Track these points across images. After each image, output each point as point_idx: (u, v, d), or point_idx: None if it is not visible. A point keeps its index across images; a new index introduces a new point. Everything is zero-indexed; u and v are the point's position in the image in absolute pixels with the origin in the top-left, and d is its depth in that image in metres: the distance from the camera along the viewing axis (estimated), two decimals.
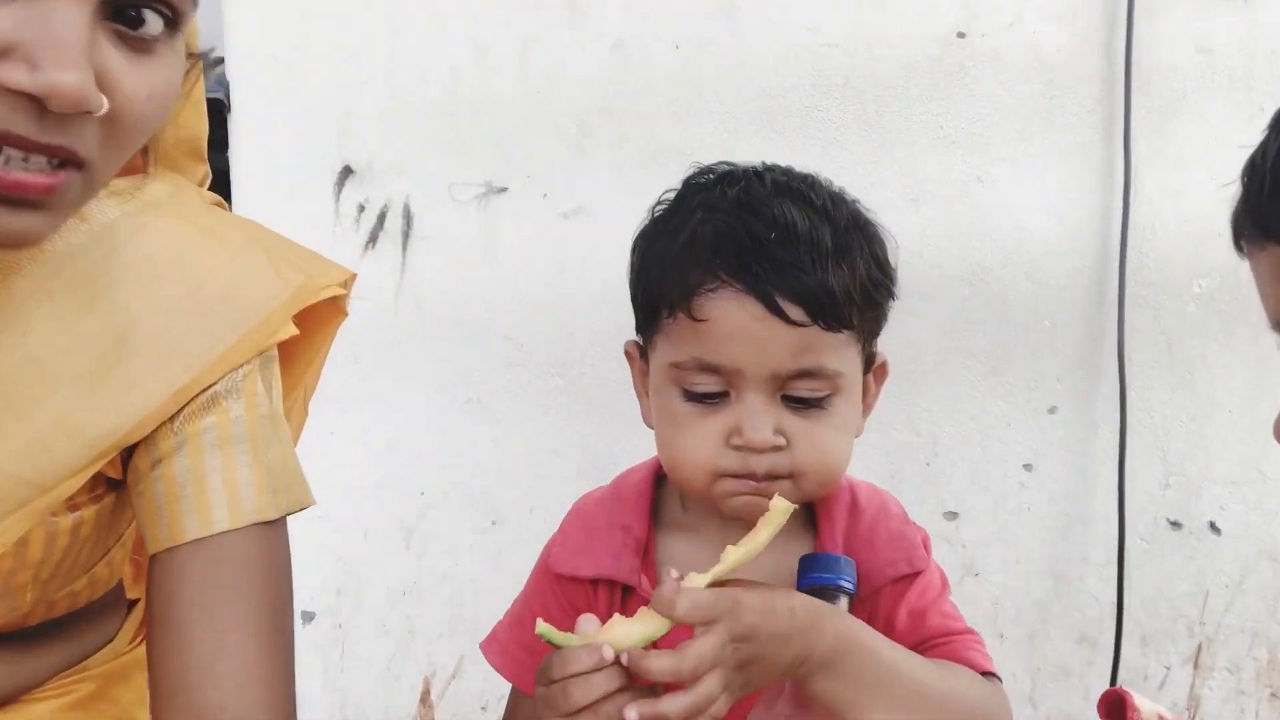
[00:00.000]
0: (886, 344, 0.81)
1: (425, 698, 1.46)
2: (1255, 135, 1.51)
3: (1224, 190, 1.51)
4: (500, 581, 1.44)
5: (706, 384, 0.70)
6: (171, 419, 0.62)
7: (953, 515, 1.50)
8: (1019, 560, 1.51)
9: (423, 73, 1.36)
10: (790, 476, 0.71)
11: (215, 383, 0.63)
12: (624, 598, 0.77)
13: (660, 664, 0.61)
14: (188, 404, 0.62)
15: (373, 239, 1.38)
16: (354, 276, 0.71)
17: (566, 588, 0.79)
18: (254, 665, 0.62)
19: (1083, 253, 1.48)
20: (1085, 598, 1.49)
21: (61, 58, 0.45)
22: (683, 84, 1.42)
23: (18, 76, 0.45)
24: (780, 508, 0.65)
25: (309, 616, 1.43)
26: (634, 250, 0.78)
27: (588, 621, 0.64)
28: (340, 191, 1.36)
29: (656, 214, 0.78)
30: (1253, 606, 1.53)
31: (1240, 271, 1.53)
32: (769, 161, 0.77)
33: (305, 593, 1.42)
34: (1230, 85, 1.48)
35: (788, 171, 0.75)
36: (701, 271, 0.69)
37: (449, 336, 1.40)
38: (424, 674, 1.46)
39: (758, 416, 0.69)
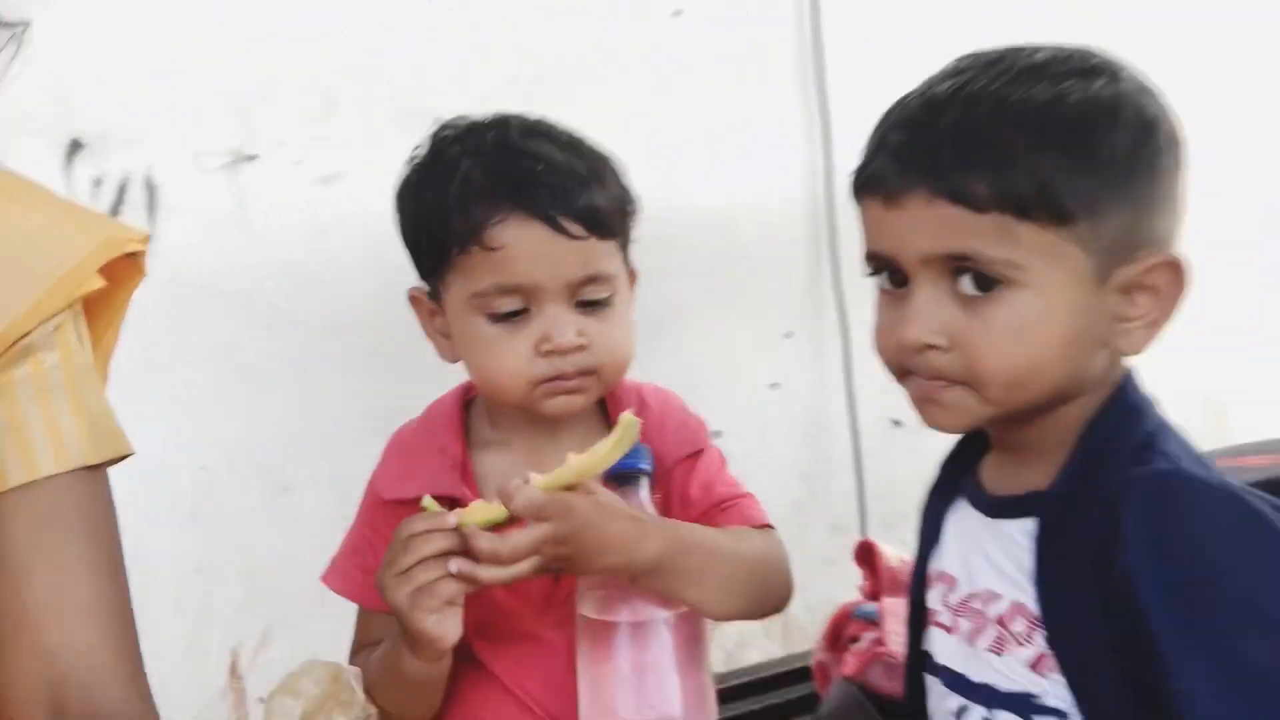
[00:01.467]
0: (648, 290, 0.90)
1: (234, 669, 1.41)
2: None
3: None
4: (297, 549, 1.35)
5: (509, 304, 0.78)
6: None
7: (717, 434, 1.60)
8: (776, 467, 1.64)
9: (154, 43, 1.29)
10: (595, 371, 0.80)
11: (28, 334, 0.62)
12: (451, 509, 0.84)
13: (483, 543, 0.68)
14: (1, 355, 0.61)
15: (114, 213, 1.28)
16: (149, 236, 0.71)
17: (396, 510, 0.83)
18: (98, 600, 0.63)
19: (792, 197, 1.61)
20: (833, 493, 1.64)
21: None
22: (432, 53, 1.42)
23: None
24: (627, 421, 0.73)
25: None
26: (402, 202, 0.84)
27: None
28: (70, 166, 1.27)
29: (415, 167, 0.84)
30: None
31: None
32: (501, 112, 0.85)
33: None
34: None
35: (524, 118, 0.84)
36: (486, 206, 0.77)
37: (212, 307, 1.34)
38: (229, 648, 1.41)
39: (561, 323, 0.78)
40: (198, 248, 1.33)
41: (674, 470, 0.86)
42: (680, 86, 1.55)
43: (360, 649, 0.88)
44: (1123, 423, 0.65)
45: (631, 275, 0.87)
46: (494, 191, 0.77)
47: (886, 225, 0.64)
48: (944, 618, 0.73)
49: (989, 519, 0.71)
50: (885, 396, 1.69)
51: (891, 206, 0.63)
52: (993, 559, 0.69)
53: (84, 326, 0.68)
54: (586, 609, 0.77)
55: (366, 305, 1.42)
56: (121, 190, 1.30)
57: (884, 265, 0.67)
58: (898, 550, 1.23)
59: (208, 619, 1.39)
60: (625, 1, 1.54)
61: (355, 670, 0.75)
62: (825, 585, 1.65)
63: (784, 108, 1.60)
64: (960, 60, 0.67)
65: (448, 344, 0.85)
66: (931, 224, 0.62)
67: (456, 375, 1.41)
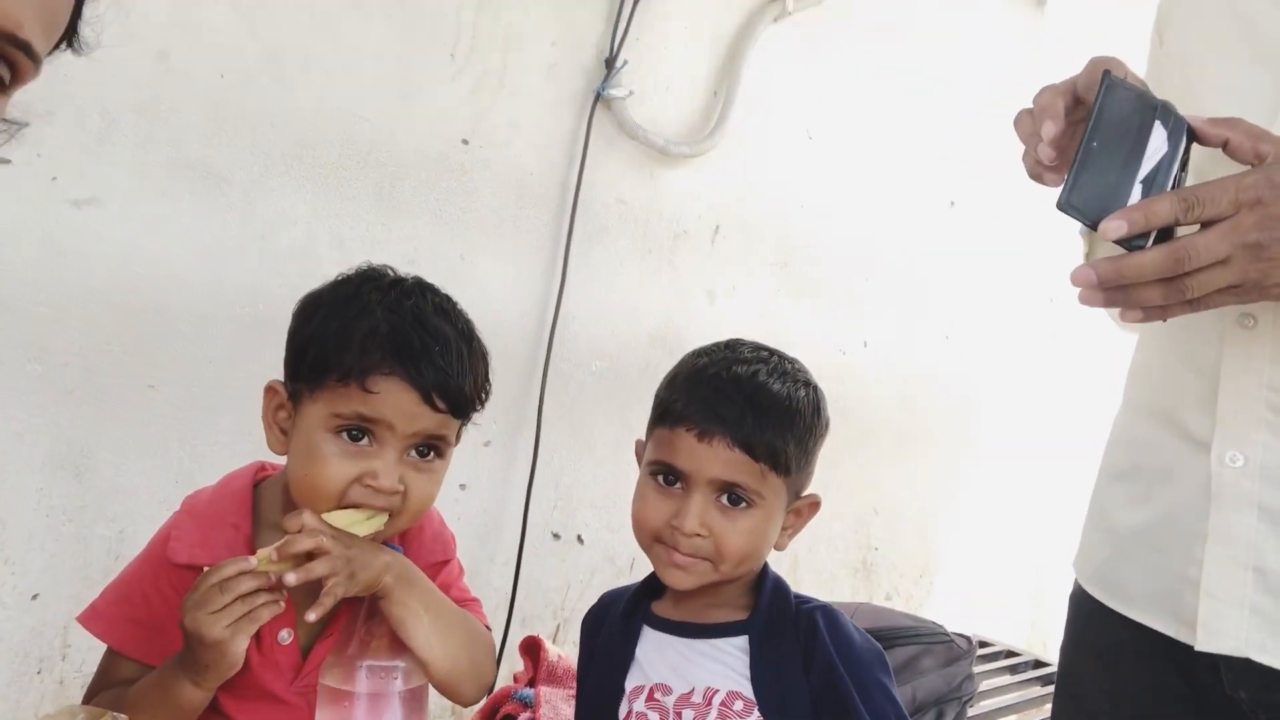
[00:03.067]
0: None
1: None
2: (646, 264, 2.02)
3: (624, 299, 1.98)
4: None
5: (359, 432, 0.86)
6: None
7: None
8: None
9: None
10: (399, 514, 0.89)
11: None
12: None
13: (290, 578, 0.81)
14: None
15: None
16: None
17: (181, 574, 0.90)
18: None
19: (526, 328, 1.79)
20: (489, 589, 1.80)
21: None
22: (222, 110, 1.41)
23: None
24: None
25: None
26: (307, 313, 0.90)
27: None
28: None
29: (333, 294, 0.90)
30: (596, 596, 2.00)
31: (622, 358, 2.01)
32: (420, 278, 0.94)
33: None
34: (636, 228, 1.96)
35: (438, 292, 0.94)
36: (379, 359, 0.86)
37: None
38: None
39: (390, 468, 0.87)
40: None
41: (424, 571, 0.95)
42: (449, 208, 1.68)
43: (102, 688, 0.92)
44: (772, 582, 0.99)
45: (458, 436, 0.97)
46: (393, 352, 0.85)
47: (693, 451, 0.91)
48: (654, 717, 0.95)
49: (698, 640, 0.97)
50: (554, 511, 1.93)
51: (702, 440, 0.91)
52: (709, 665, 0.95)
53: None
54: (328, 679, 0.86)
55: (86, 335, 1.32)
56: None
57: (669, 471, 0.93)
58: (556, 648, 1.43)
59: None
60: None
61: (122, 717, 0.78)
62: None
63: (534, 245, 1.80)
64: (741, 348, 0.98)
65: (282, 439, 0.91)
66: (726, 460, 0.90)
67: (160, 428, 1.38)
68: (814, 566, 2.35)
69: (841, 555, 2.43)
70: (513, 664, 1.54)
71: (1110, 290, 0.68)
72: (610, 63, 1.82)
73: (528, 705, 1.33)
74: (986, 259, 2.64)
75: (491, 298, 1.73)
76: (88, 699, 0.90)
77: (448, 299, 0.95)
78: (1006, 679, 2.13)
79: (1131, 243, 0.67)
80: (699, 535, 0.91)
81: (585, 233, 1.84)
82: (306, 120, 1.50)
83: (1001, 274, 2.69)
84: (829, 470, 2.34)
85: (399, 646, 0.88)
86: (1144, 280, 0.67)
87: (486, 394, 0.95)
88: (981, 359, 2.69)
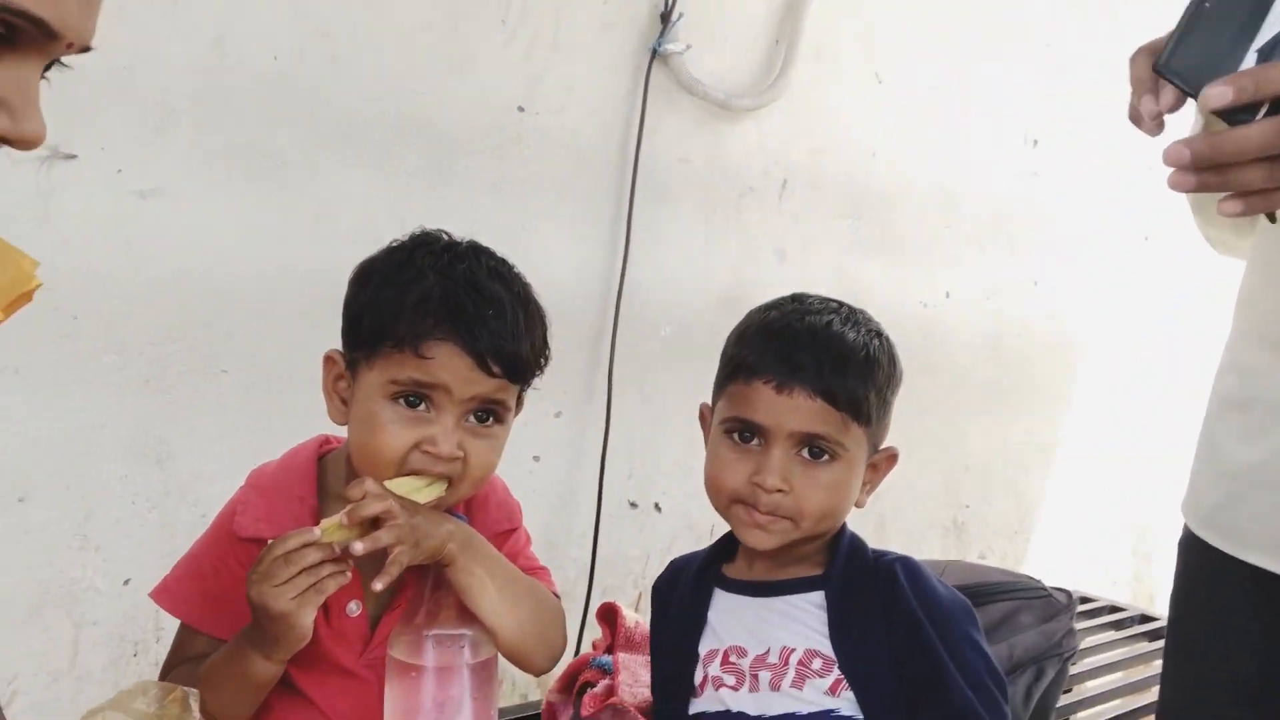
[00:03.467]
0: None
1: None
2: (712, 224, 1.96)
3: (690, 263, 1.93)
4: (24, 559, 1.27)
5: (417, 397, 0.84)
6: None
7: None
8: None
9: None
10: (459, 480, 0.86)
11: None
12: None
13: (358, 547, 0.78)
14: None
15: None
16: (38, 263, 0.68)
17: (248, 548, 0.89)
18: None
19: (591, 295, 1.75)
20: (568, 560, 1.80)
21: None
22: (276, 92, 1.39)
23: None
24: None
25: None
26: (361, 281, 0.89)
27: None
28: None
29: (386, 259, 0.89)
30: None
31: (690, 323, 1.96)
32: (475, 241, 0.92)
33: None
34: (700, 188, 1.90)
35: (494, 256, 0.91)
36: (432, 324, 0.83)
37: None
38: None
39: (449, 434, 0.84)
40: None
41: (489, 540, 0.93)
42: (508, 178, 1.64)
43: (178, 663, 0.92)
44: (849, 537, 0.95)
45: (520, 403, 0.94)
46: (446, 317, 0.83)
47: (772, 404, 0.88)
48: (730, 680, 0.92)
49: (773, 598, 0.94)
50: (629, 480, 1.90)
51: (781, 392, 0.88)
52: (785, 624, 0.92)
53: None
54: (397, 653, 0.85)
55: (157, 325, 1.34)
56: None
57: (746, 427, 0.90)
58: (634, 614, 1.40)
59: None
60: None
61: (193, 691, 0.77)
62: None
63: (595, 212, 1.76)
64: (808, 300, 0.95)
65: (342, 409, 0.90)
66: (807, 411, 0.87)
67: (235, 413, 1.40)
68: (902, 526, 2.27)
69: (931, 514, 2.35)
70: (594, 633, 1.52)
71: (1206, 172, 0.59)
72: (665, 17, 1.74)
73: (606, 672, 1.31)
74: (1074, 199, 2.48)
75: (554, 268, 1.69)
76: (164, 674, 0.91)
77: (503, 262, 0.91)
78: (1111, 635, 2.02)
79: (1237, 116, 0.57)
80: (780, 491, 0.88)
81: (647, 195, 1.78)
82: (360, 97, 1.48)
83: (1091, 213, 2.53)
84: (914, 427, 2.25)
85: (467, 616, 0.86)
86: (1246, 158, 0.57)
87: (546, 358, 0.92)
88: (1073, 304, 2.54)
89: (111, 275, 1.30)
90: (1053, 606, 1.63)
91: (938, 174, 2.23)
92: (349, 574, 0.81)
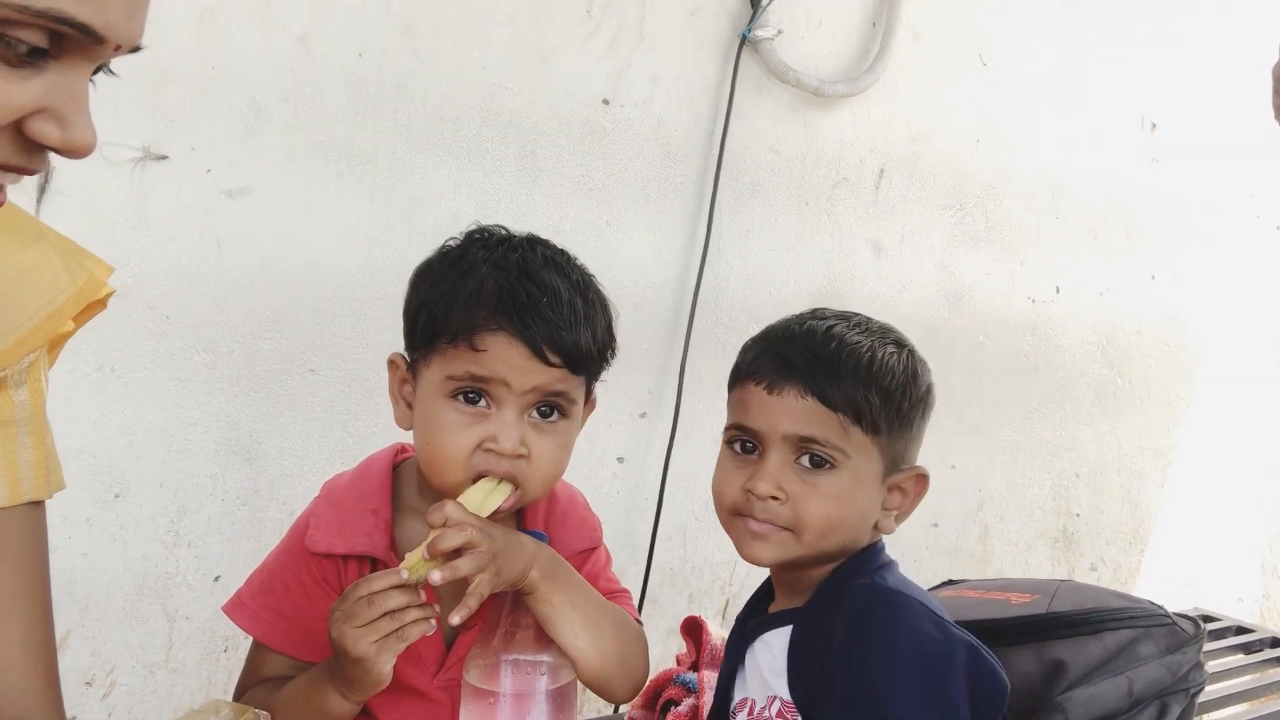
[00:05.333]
0: None
1: None
2: (803, 217, 1.87)
3: (780, 258, 1.85)
4: (120, 555, 1.29)
5: (474, 392, 0.80)
6: None
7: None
8: (608, 535, 1.71)
9: None
10: (524, 481, 0.82)
11: (4, 367, 0.62)
12: (372, 570, 0.85)
13: (436, 577, 0.74)
14: None
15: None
16: (113, 270, 0.70)
17: (320, 563, 0.86)
18: (32, 632, 0.62)
19: (674, 292, 1.71)
20: (653, 565, 1.71)
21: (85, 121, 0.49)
22: (362, 89, 1.38)
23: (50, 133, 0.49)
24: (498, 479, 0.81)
25: None
26: (418, 282, 0.86)
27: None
28: None
29: (441, 257, 0.86)
30: (764, 574, 1.90)
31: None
32: (533, 234, 0.88)
33: None
34: (790, 179, 1.82)
35: (550, 246, 0.87)
36: (486, 315, 0.80)
37: None
38: None
39: (509, 428, 0.80)
40: (83, 238, 1.21)
41: (568, 560, 0.89)
42: (593, 171, 1.60)
43: (253, 683, 0.88)
44: (860, 562, 0.83)
45: (591, 403, 0.90)
46: (499, 306, 0.80)
47: (765, 406, 0.81)
48: None
49: (758, 636, 0.84)
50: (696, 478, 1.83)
51: (772, 392, 0.81)
52: (759, 665, 0.83)
53: (47, 364, 0.68)
54: (473, 678, 0.80)
55: (246, 325, 1.35)
56: None
57: (743, 435, 0.83)
58: (719, 630, 1.34)
59: None
60: None
61: (264, 714, 0.75)
62: None
63: (680, 207, 1.70)
64: (825, 311, 0.88)
65: (407, 412, 0.86)
66: (798, 411, 0.80)
67: (332, 413, 1.40)
68: (1008, 537, 2.14)
69: (1038, 523, 2.20)
70: (676, 644, 1.47)
71: None
72: (755, 2, 1.67)
73: (691, 690, 1.24)
74: (1196, 186, 2.29)
75: (639, 264, 1.64)
76: (238, 694, 0.88)
77: (561, 252, 0.87)
78: (1238, 659, 1.84)
79: None
80: (775, 498, 0.80)
81: (735, 188, 1.71)
82: (445, 93, 1.46)
83: (1215, 202, 2.33)
84: (1020, 431, 2.12)
85: (545, 639, 0.82)
86: None
87: (612, 350, 0.87)
88: (1194, 299, 2.35)
89: (202, 275, 1.31)
90: (1177, 636, 1.48)
91: (1047, 161, 2.08)
92: (434, 623, 0.77)
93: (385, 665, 0.75)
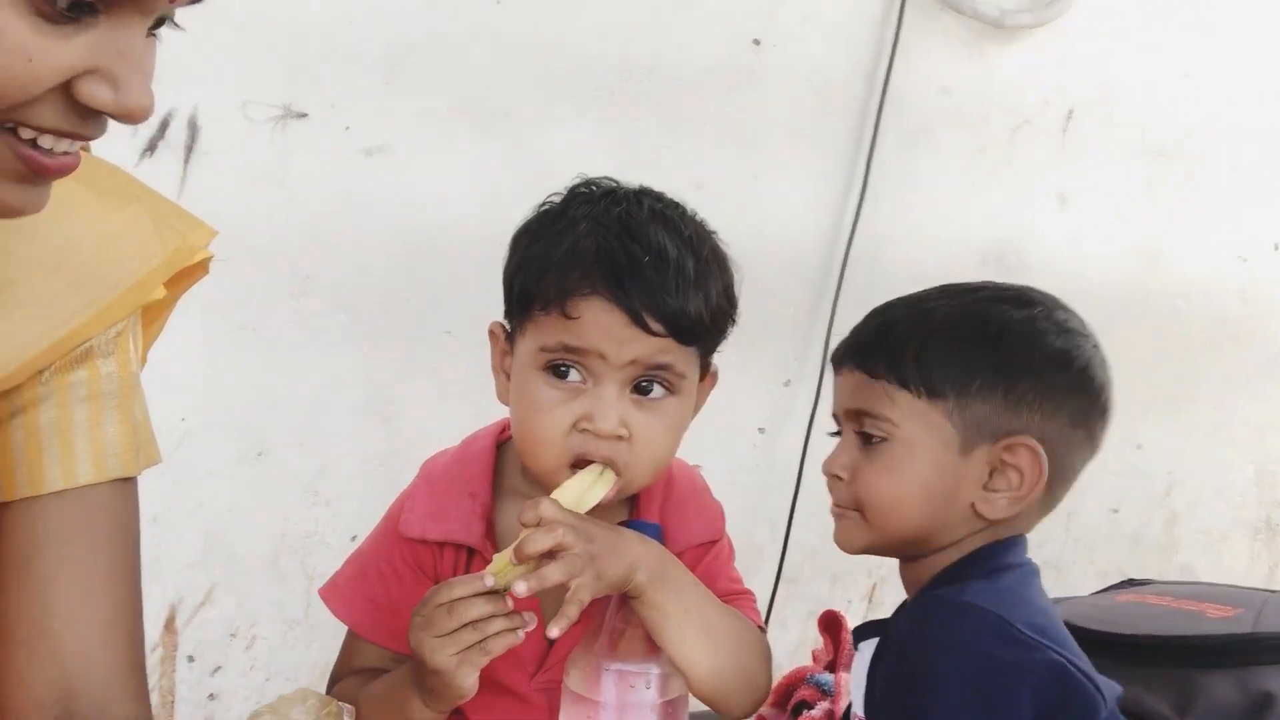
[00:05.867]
0: None
1: (170, 624, 1.34)
2: (978, 166, 1.69)
3: (949, 211, 1.68)
4: (262, 513, 1.30)
5: (568, 365, 0.73)
6: (40, 369, 0.58)
7: (696, 468, 1.59)
8: (745, 510, 1.63)
9: None
10: (625, 468, 0.73)
11: (90, 337, 0.59)
12: (469, 559, 0.79)
13: (520, 587, 0.66)
14: (62, 357, 0.59)
15: (151, 147, 1.18)
16: (215, 234, 0.66)
17: (414, 549, 0.79)
18: (118, 615, 0.60)
19: (827, 251, 1.56)
20: (793, 543, 1.61)
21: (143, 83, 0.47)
22: (500, 41, 1.32)
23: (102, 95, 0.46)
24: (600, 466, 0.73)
25: None
26: (515, 243, 0.78)
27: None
28: None
29: (540, 215, 0.78)
30: None
31: (947, 281, 1.73)
32: (644, 185, 0.79)
33: None
34: (962, 123, 1.64)
35: (662, 199, 0.77)
36: (579, 277, 0.71)
37: (228, 259, 1.24)
38: (170, 601, 1.33)
39: (607, 406, 0.72)
40: (227, 197, 1.22)
41: (684, 554, 0.80)
42: (740, 119, 1.49)
43: (346, 673, 0.83)
44: (964, 565, 0.74)
45: (711, 377, 0.81)
46: (594, 268, 0.72)
47: (836, 388, 0.79)
48: None
49: (858, 643, 0.78)
50: None
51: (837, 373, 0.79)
52: (855, 676, 0.78)
53: (140, 334, 0.64)
54: (573, 683, 0.73)
55: (385, 284, 1.33)
56: (164, 126, 1.17)
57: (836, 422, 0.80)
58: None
59: (154, 570, 1.31)
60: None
61: (349, 708, 0.72)
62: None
63: (836, 155, 1.56)
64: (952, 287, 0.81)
65: (507, 386, 0.79)
66: (847, 386, 0.77)
67: (467, 377, 1.37)
68: (1198, 526, 1.90)
69: (1237, 512, 1.95)
70: (814, 630, 1.38)
71: None
72: None
73: (826, 693, 1.14)
74: None
75: (788, 220, 1.52)
76: (331, 682, 0.84)
77: (673, 204, 0.77)
78: None
79: None
80: (838, 478, 0.76)
81: (898, 135, 1.55)
82: (583, 41, 1.37)
83: None
84: (1220, 408, 1.86)
85: (654, 647, 0.73)
86: None
87: (729, 317, 0.77)
88: None
89: (340, 234, 1.29)
90: None
91: (1265, 100, 1.80)
92: (522, 635, 0.69)
93: (466, 679, 0.68)
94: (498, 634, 0.67)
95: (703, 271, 0.73)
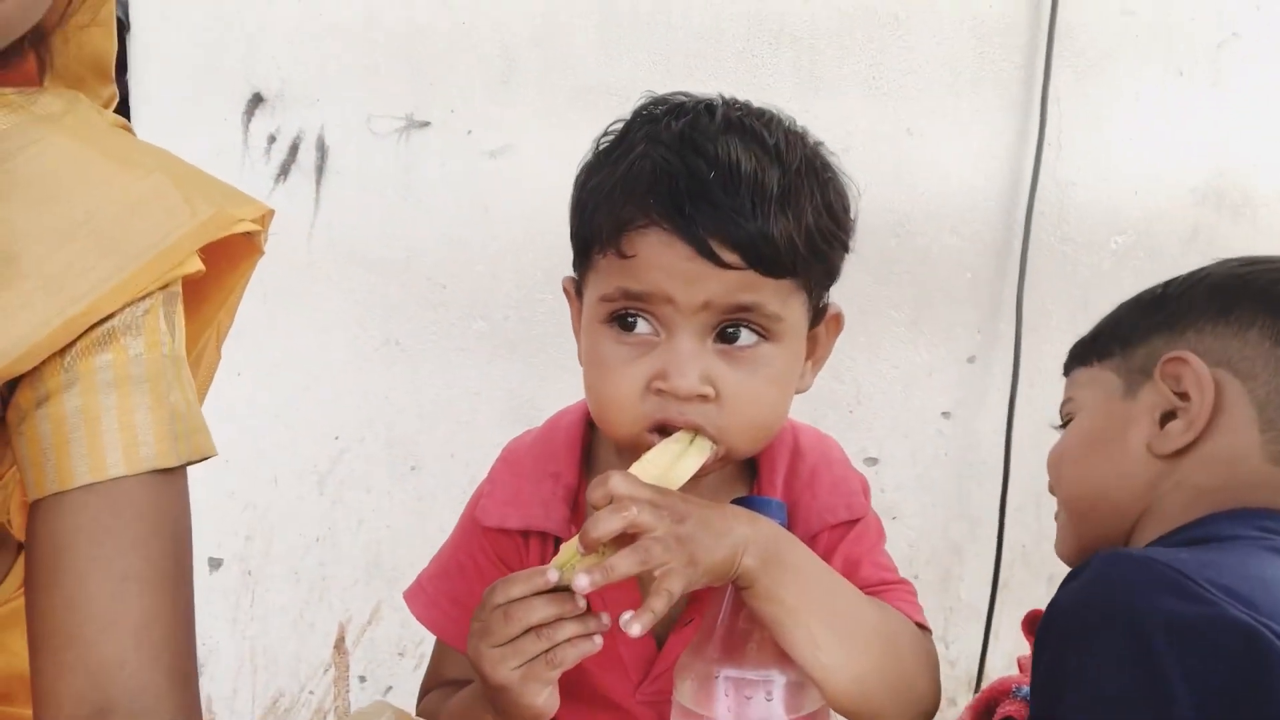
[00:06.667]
0: None
1: (340, 644, 1.34)
2: (1178, 91, 1.46)
3: (1146, 149, 1.46)
4: (420, 527, 1.28)
5: (633, 314, 0.61)
6: (62, 353, 0.53)
7: (873, 461, 1.43)
8: (936, 504, 1.45)
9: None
10: (716, 436, 0.60)
11: (112, 316, 0.53)
12: (556, 549, 0.66)
13: (581, 581, 0.53)
14: (80, 338, 0.53)
15: (284, 171, 1.22)
16: (271, 213, 0.59)
17: (496, 539, 0.69)
18: (153, 619, 0.53)
19: (1004, 207, 1.38)
20: (984, 539, 1.40)
21: None
22: (614, 20, 1.26)
23: None
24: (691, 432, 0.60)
25: (216, 563, 1.29)
26: (576, 181, 0.67)
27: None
28: (249, 120, 1.18)
29: (601, 145, 0.66)
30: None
31: (1155, 228, 1.50)
32: (727, 95, 0.65)
33: (212, 539, 1.28)
34: (1151, 47, 1.41)
35: (743, 106, 0.64)
36: (634, 208, 0.59)
37: (366, 275, 1.25)
38: (338, 620, 1.34)
39: (684, 361, 0.59)
40: (360, 213, 1.22)
41: (819, 537, 0.67)
42: (886, 72, 1.35)
43: (434, 685, 0.73)
44: (1166, 541, 0.62)
45: (834, 321, 0.66)
46: (649, 194, 0.59)
47: None
48: None
49: None
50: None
51: None
52: None
53: (179, 311, 0.57)
54: (682, 694, 0.60)
55: (519, 288, 1.29)
56: (294, 149, 1.20)
57: None
58: None
59: (322, 588, 1.32)
60: None
61: None
62: (971, 638, 1.46)
63: (1004, 101, 1.38)
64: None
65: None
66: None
67: (576, 369, 1.30)
68: None
69: None
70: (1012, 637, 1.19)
71: None
72: None
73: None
74: None
75: (953, 178, 1.36)
76: (421, 695, 0.73)
77: (756, 112, 0.63)
78: None
79: None
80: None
81: (1075, 67, 1.36)
82: (704, 6, 1.29)
83: None
84: None
85: (780, 651, 0.59)
86: None
87: (836, 239, 0.62)
88: None
89: (471, 241, 1.27)
90: None
91: None
92: (600, 640, 0.55)
93: (537, 697, 0.55)
94: (570, 641, 0.54)
95: (792, 186, 0.59)
